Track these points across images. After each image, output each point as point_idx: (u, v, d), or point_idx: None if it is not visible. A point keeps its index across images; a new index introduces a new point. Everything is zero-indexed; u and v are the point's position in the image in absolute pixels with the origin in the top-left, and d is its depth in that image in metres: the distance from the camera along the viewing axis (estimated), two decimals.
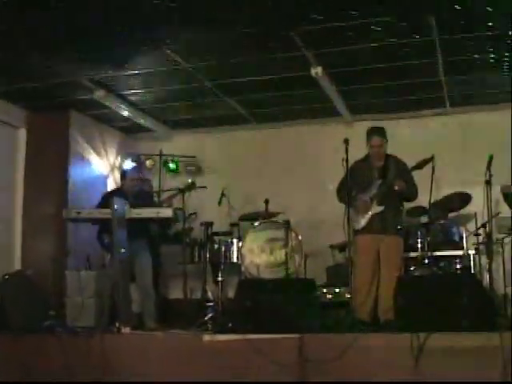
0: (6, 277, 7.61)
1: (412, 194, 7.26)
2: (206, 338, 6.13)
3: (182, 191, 8.18)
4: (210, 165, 10.64)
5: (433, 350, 5.36)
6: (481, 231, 7.97)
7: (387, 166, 7.22)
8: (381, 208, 7.05)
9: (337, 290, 8.26)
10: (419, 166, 7.04)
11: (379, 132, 7.23)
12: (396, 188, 7.03)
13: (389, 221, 7.09)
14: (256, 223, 8.57)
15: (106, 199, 7.35)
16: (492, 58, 7.71)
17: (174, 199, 8.55)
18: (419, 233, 8.23)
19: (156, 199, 9.22)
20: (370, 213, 7.08)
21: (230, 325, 6.31)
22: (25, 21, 6.65)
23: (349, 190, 6.91)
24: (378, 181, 7.13)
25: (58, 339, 6.42)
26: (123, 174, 7.96)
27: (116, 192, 7.70)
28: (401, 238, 7.26)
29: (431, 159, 6.97)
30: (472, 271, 8.08)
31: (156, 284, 8.26)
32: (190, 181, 8.63)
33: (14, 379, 6.33)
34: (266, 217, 8.73)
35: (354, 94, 9.16)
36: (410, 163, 7.23)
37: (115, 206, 6.77)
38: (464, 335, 5.44)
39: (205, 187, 8.82)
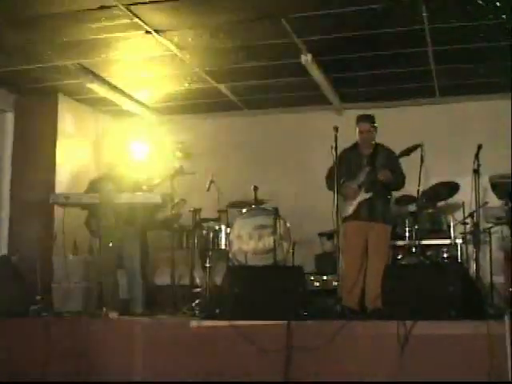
0: None
1: (398, 183, 7.23)
2: (193, 323, 6.14)
3: (170, 176, 8.13)
4: (199, 151, 10.60)
5: (419, 337, 5.39)
6: (468, 220, 8.00)
7: (376, 154, 7.22)
8: (369, 195, 7.05)
9: (325, 278, 8.29)
10: (406, 152, 7.04)
11: (368, 118, 7.23)
12: (380, 178, 7.02)
13: (377, 208, 7.09)
14: (244, 210, 8.56)
15: (95, 184, 7.33)
16: (482, 48, 7.70)
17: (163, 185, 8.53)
18: (407, 221, 8.24)
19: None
20: (358, 200, 7.07)
21: (218, 311, 6.32)
22: (13, 4, 6.60)
23: (338, 177, 6.91)
24: (366, 168, 7.12)
25: (45, 324, 6.42)
26: (114, 159, 7.93)
27: (106, 177, 7.66)
28: (389, 226, 7.26)
29: (418, 146, 6.96)
30: (459, 260, 8.12)
31: (144, 270, 8.25)
32: (178, 166, 8.58)
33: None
34: (254, 204, 8.72)
35: (344, 82, 9.14)
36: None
37: (103, 191, 6.77)
38: (450, 323, 5.48)
39: (194, 173, 8.78)
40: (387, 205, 7.27)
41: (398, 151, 7.24)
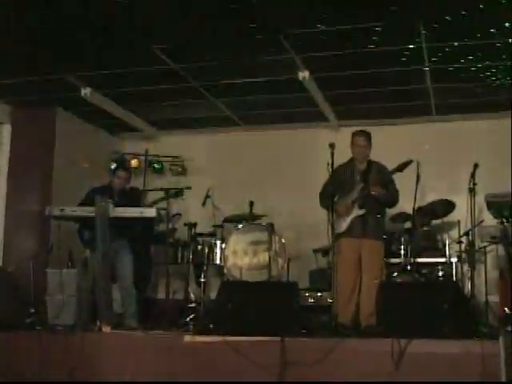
0: None
1: (391, 200, 7.23)
2: (187, 338, 6.13)
3: (167, 198, 8.12)
4: (195, 166, 10.62)
5: (413, 355, 5.38)
6: (464, 239, 8.00)
7: (369, 171, 7.23)
8: (362, 211, 7.04)
9: (319, 294, 8.26)
10: (399, 168, 7.00)
11: (365, 134, 7.25)
12: (373, 193, 7.02)
13: (370, 225, 7.07)
14: (240, 225, 8.56)
15: (91, 195, 7.32)
16: (479, 67, 7.74)
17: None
18: (402, 239, 8.24)
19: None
20: (352, 216, 7.06)
21: (211, 326, 6.31)
22: (13, 17, 6.62)
23: (332, 194, 6.92)
24: (359, 184, 7.13)
25: (38, 337, 6.39)
26: (112, 172, 7.93)
27: (102, 189, 7.66)
28: (382, 243, 7.25)
29: (411, 162, 6.95)
30: (454, 279, 8.11)
31: (145, 284, 8.25)
32: (178, 188, 8.60)
33: None
34: (250, 219, 8.73)
35: (341, 99, 9.16)
36: None
37: (99, 205, 6.78)
38: (444, 342, 5.47)
39: (189, 188, 8.77)
40: (380, 221, 7.26)
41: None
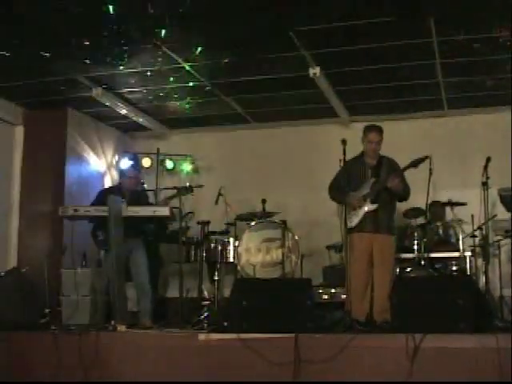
0: (2, 274, 7.62)
1: (405, 192, 7.19)
2: (202, 336, 6.12)
3: (178, 194, 8.13)
4: (207, 164, 10.63)
5: (428, 351, 5.37)
6: (477, 233, 7.97)
7: (380, 166, 7.17)
8: (374, 206, 6.98)
9: (333, 291, 8.25)
10: (414, 163, 6.94)
11: (379, 129, 7.17)
12: (389, 185, 6.97)
13: (381, 219, 7.00)
14: (253, 223, 8.56)
15: (103, 196, 7.35)
16: (490, 60, 7.71)
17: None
18: (416, 234, 8.22)
19: (152, 199, 9.23)
20: (365, 209, 7.00)
21: (226, 324, 6.32)
22: (22, 17, 6.64)
23: (342, 188, 6.92)
24: (371, 179, 7.08)
25: (53, 337, 6.42)
26: (122, 171, 7.95)
27: (113, 189, 7.69)
28: (393, 237, 7.20)
29: (426, 157, 6.89)
30: (468, 273, 8.08)
31: (154, 283, 8.25)
32: (187, 184, 8.61)
33: (7, 377, 6.33)
34: (262, 216, 8.73)
35: (352, 95, 9.15)
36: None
37: (112, 204, 6.79)
38: (459, 337, 5.45)
39: (202, 186, 8.78)
40: (391, 216, 7.21)
41: (405, 163, 7.18)
